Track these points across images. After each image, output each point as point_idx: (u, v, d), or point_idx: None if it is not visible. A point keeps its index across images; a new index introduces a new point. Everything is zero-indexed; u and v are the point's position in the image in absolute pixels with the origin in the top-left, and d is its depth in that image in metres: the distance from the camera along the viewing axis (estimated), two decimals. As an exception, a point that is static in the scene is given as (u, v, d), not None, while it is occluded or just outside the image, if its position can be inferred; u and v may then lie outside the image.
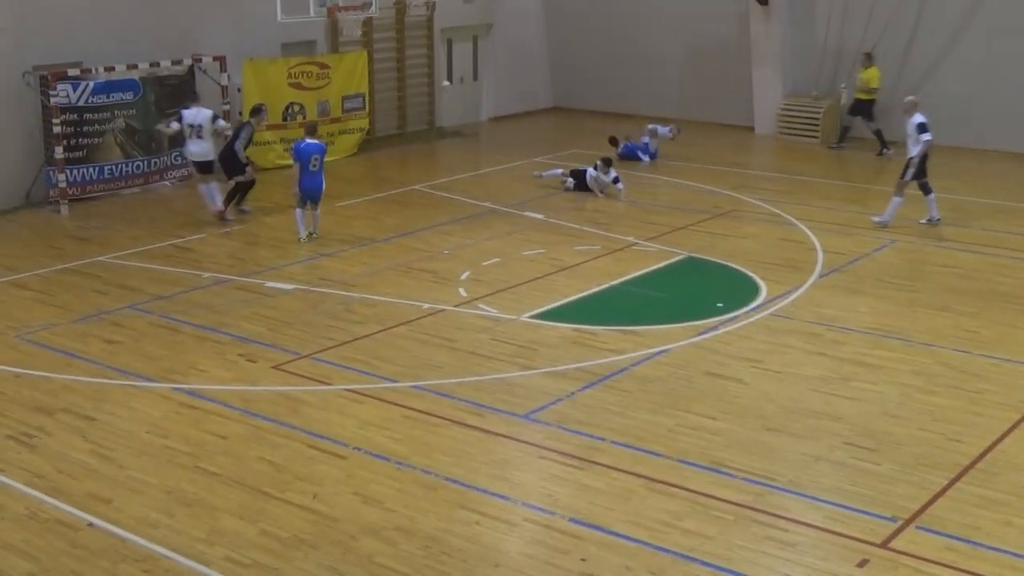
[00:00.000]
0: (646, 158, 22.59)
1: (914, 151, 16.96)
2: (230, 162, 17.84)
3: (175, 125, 17.80)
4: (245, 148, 17.94)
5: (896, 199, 17.20)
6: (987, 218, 18.00)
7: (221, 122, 18.03)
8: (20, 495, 9.27)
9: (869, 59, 23.03)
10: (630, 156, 22.51)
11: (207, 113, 17.81)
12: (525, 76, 28.27)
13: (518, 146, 24.22)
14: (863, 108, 23.13)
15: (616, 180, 19.57)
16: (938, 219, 17.38)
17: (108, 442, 10.25)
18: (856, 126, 23.51)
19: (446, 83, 26.39)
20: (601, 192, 19.59)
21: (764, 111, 25.27)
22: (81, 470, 9.72)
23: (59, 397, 11.26)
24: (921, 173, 17.13)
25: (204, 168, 17.80)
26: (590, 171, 19.73)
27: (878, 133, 22.97)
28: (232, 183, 17.98)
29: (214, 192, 17.83)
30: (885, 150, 22.80)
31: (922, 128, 16.87)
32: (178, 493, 9.31)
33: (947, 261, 15.75)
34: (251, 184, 18.12)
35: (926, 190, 17.29)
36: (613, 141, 22.72)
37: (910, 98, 17.62)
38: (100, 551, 8.42)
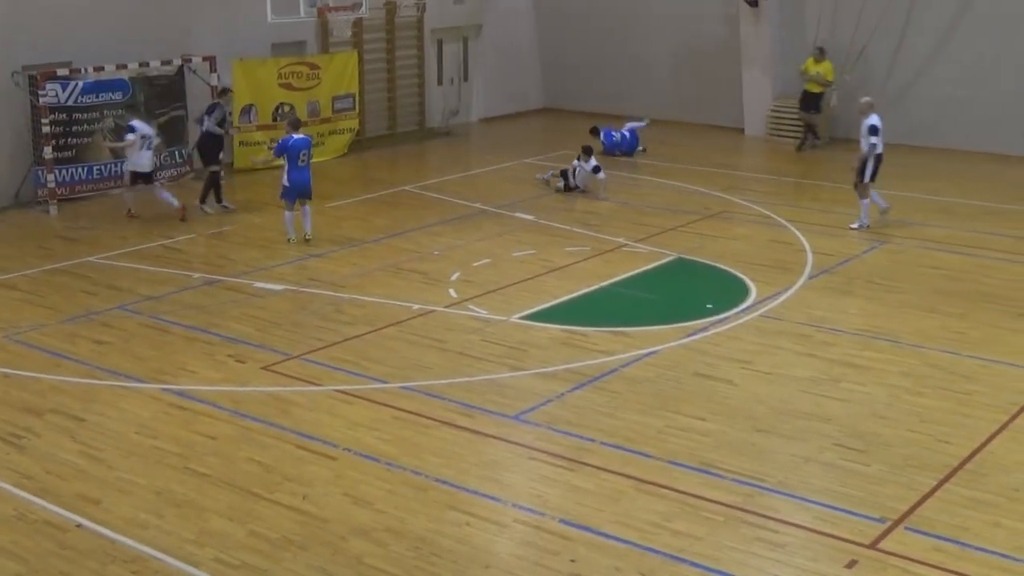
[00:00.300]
0: (626, 134, 23.23)
1: (877, 151, 17.06)
2: (208, 144, 18.36)
3: (131, 136, 17.74)
4: (220, 125, 18.39)
5: (864, 202, 17.31)
6: (975, 220, 18.06)
7: (158, 139, 18.23)
8: (8, 496, 9.25)
9: (822, 53, 23.41)
10: (611, 142, 23.05)
11: (150, 127, 18.01)
12: (516, 77, 28.25)
13: (508, 147, 24.22)
14: (815, 101, 23.54)
15: (597, 169, 19.59)
16: (886, 207, 17.47)
17: (97, 443, 10.23)
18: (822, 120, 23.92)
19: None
20: (581, 186, 19.65)
21: (754, 113, 25.30)
22: (70, 471, 9.70)
23: (48, 398, 11.23)
24: (860, 175, 17.20)
25: (148, 179, 17.97)
26: (573, 163, 19.81)
27: (814, 129, 23.67)
28: (206, 176, 18.46)
29: (164, 193, 18.08)
30: (805, 145, 23.57)
31: (872, 131, 16.99)
32: (167, 494, 9.29)
33: (935, 263, 15.79)
34: (219, 175, 18.45)
35: (863, 193, 17.39)
36: (594, 131, 23.07)
37: (866, 99, 17.83)
38: (89, 552, 8.40)
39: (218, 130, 18.28)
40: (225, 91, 19.40)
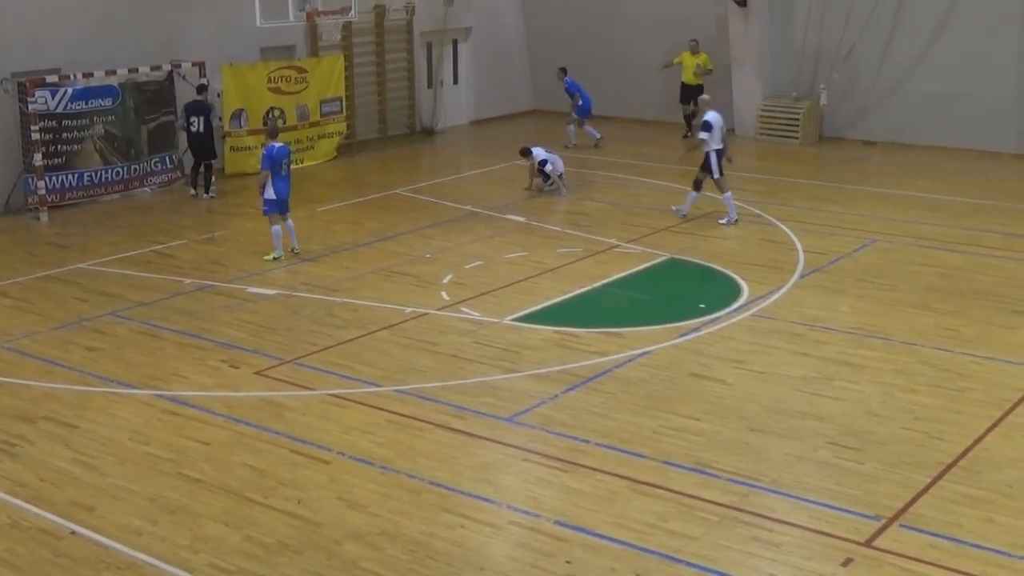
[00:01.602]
0: (582, 102, 23.88)
1: (711, 147, 17.44)
2: (209, 142, 19.84)
3: None
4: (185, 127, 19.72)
5: (726, 195, 17.71)
6: (967, 217, 18.09)
7: None
8: (2, 504, 9.22)
9: (697, 45, 24.51)
10: (575, 87, 23.93)
11: None
12: (505, 79, 28.25)
13: (499, 149, 24.18)
14: (696, 93, 23.65)
15: (544, 163, 19.86)
16: (685, 213, 17.86)
17: (90, 450, 10.20)
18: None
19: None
20: (534, 185, 20.04)
21: (744, 112, 25.29)
22: (63, 478, 9.67)
23: (40, 405, 11.20)
24: (701, 169, 17.68)
25: None
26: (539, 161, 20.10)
27: (690, 117, 24.04)
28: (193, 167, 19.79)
29: None
30: (689, 134, 23.92)
31: (705, 127, 17.54)
32: (161, 500, 9.27)
33: (928, 260, 15.81)
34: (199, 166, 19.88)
35: (696, 186, 17.83)
36: (563, 71, 24.20)
37: (703, 96, 18.95)
38: (83, 559, 8.38)
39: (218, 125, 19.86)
40: (203, 87, 19.86)
